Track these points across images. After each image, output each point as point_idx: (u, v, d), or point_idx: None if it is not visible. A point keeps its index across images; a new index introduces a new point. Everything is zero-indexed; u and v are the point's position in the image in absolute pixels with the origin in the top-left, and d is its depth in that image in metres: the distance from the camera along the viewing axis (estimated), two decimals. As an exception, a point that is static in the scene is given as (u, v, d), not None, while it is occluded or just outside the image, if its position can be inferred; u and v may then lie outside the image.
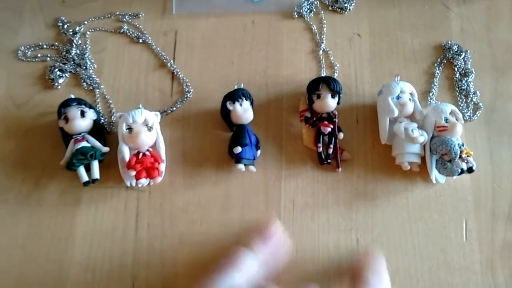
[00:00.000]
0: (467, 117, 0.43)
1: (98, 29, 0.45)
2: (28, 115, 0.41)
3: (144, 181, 0.37)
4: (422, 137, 0.38)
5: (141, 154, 0.37)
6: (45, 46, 0.44)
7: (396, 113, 0.39)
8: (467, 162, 0.38)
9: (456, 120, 0.39)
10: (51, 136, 0.40)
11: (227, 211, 0.38)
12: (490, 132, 0.42)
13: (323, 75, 0.42)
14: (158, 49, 0.44)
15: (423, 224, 0.39)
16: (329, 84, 0.39)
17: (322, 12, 0.47)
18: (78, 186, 0.37)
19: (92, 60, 0.44)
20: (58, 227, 0.37)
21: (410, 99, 0.40)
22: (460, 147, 0.38)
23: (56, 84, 0.42)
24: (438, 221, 0.39)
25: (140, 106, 0.39)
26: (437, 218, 0.39)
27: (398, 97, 0.39)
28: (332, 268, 0.37)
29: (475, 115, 0.43)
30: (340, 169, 0.40)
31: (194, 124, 0.42)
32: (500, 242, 0.38)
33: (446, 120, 0.39)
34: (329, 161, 0.39)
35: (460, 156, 0.38)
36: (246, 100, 0.40)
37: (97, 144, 0.38)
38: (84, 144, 0.37)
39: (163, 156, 0.38)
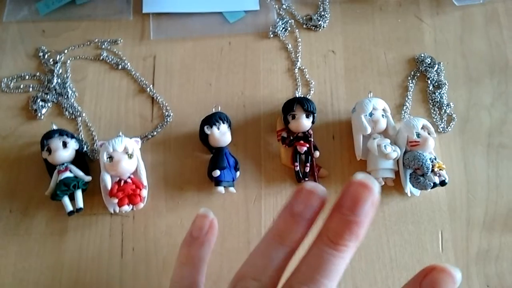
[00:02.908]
0: (441, 129, 0.44)
1: (78, 57, 0.46)
2: (13, 147, 0.42)
3: (126, 208, 0.38)
4: (395, 153, 0.39)
5: (122, 182, 0.38)
6: (27, 77, 0.45)
7: (369, 130, 0.40)
8: (439, 176, 0.39)
9: (428, 134, 0.40)
10: (36, 166, 0.41)
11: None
12: (464, 143, 0.43)
13: (297, 96, 0.43)
14: (138, 74, 0.45)
15: (400, 236, 0.40)
16: (303, 104, 0.40)
17: (297, 30, 0.48)
18: (64, 215, 0.38)
19: (74, 89, 0.45)
20: (46, 255, 0.39)
21: (383, 115, 0.41)
22: (432, 161, 0.39)
23: (39, 114, 0.43)
24: (415, 232, 0.40)
25: (120, 133, 0.40)
26: (413, 230, 0.40)
27: (371, 114, 0.40)
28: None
29: (449, 127, 0.44)
30: (318, 186, 0.41)
31: (175, 147, 0.43)
32: (475, 251, 0.39)
33: (418, 135, 0.40)
34: (306, 179, 0.41)
35: (433, 170, 0.39)
36: (224, 123, 0.41)
37: (80, 173, 0.39)
38: (67, 174, 0.38)
39: (145, 182, 0.40)
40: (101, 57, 0.46)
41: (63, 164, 0.39)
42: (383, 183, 0.40)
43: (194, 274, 0.32)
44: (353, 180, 0.27)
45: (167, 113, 0.44)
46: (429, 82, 0.46)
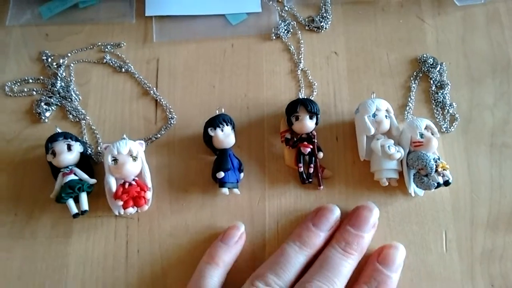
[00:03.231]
0: (444, 129, 0.44)
1: (81, 60, 0.46)
2: (17, 150, 0.42)
3: (131, 210, 0.38)
4: (398, 153, 0.39)
5: (127, 184, 0.38)
6: (31, 81, 0.45)
7: (373, 131, 0.40)
8: (443, 176, 0.39)
9: (432, 134, 0.40)
10: (41, 169, 0.41)
11: (214, 234, 0.40)
12: (467, 143, 0.44)
13: (300, 97, 0.43)
14: (141, 77, 0.46)
15: (404, 237, 0.40)
16: (307, 106, 0.41)
17: (299, 32, 0.48)
18: (69, 217, 0.38)
19: (77, 92, 0.45)
20: (52, 258, 0.39)
21: (386, 116, 0.41)
22: (436, 161, 0.39)
23: (43, 118, 0.43)
24: (418, 233, 0.40)
25: (125, 136, 0.40)
26: (417, 230, 0.40)
27: (374, 115, 0.41)
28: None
29: (452, 127, 0.44)
30: (322, 187, 0.41)
31: (179, 149, 0.43)
32: (479, 250, 0.39)
33: (421, 135, 0.40)
34: (310, 180, 0.41)
35: (436, 170, 0.39)
36: (227, 125, 0.41)
37: (85, 176, 0.39)
38: (72, 177, 0.39)
39: (149, 184, 0.40)
40: (105, 60, 0.46)
41: (67, 167, 0.39)
42: (387, 183, 0.40)
43: (215, 274, 0.36)
44: (360, 204, 0.38)
45: (170, 115, 0.44)
46: (431, 82, 0.46)
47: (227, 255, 0.36)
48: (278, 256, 0.35)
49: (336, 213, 0.37)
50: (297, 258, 0.35)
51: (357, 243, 0.35)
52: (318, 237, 0.36)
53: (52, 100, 0.44)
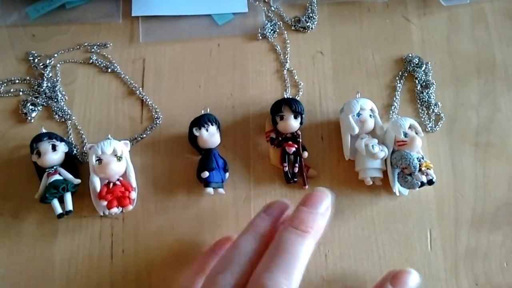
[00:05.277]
0: (429, 129, 0.44)
1: (68, 61, 0.46)
2: (3, 150, 0.42)
3: (116, 210, 0.38)
4: (382, 152, 0.40)
5: (111, 184, 0.38)
6: (17, 81, 0.45)
7: (357, 130, 0.40)
8: (427, 175, 0.39)
9: (416, 133, 0.40)
10: (27, 169, 0.41)
11: (199, 234, 0.40)
12: (452, 142, 0.44)
13: (285, 97, 0.44)
14: (127, 77, 0.46)
15: (388, 235, 0.40)
16: (291, 105, 0.41)
17: (286, 32, 0.48)
18: (54, 218, 0.38)
19: (63, 92, 0.45)
20: (37, 257, 0.39)
21: (370, 115, 0.41)
22: (419, 160, 0.39)
23: (29, 118, 0.43)
24: (403, 231, 0.40)
25: (109, 136, 0.40)
26: (402, 229, 0.40)
27: (358, 114, 0.41)
28: (301, 286, 0.38)
29: (437, 126, 0.44)
30: (307, 186, 0.41)
31: (164, 149, 0.43)
32: (463, 249, 0.40)
33: (405, 134, 0.40)
34: (295, 179, 0.41)
35: (420, 169, 0.39)
36: (212, 125, 0.41)
37: (69, 176, 0.39)
38: (56, 177, 0.39)
39: (134, 184, 0.40)
40: (91, 61, 0.46)
41: (52, 167, 0.39)
42: (371, 182, 0.40)
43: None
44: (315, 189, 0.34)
45: (156, 115, 0.44)
46: (417, 82, 0.46)
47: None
48: (229, 249, 0.32)
49: (286, 202, 0.35)
50: (248, 246, 0.31)
51: (312, 219, 0.31)
52: (266, 221, 0.33)
53: (38, 100, 0.44)
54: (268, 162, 0.42)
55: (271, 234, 0.32)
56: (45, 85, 0.45)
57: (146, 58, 0.47)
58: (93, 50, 0.47)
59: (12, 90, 0.45)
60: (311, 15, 0.49)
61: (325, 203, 0.33)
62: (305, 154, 0.41)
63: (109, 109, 0.44)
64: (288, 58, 0.47)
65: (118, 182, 0.39)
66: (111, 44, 0.47)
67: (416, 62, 0.47)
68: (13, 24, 0.48)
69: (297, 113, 0.41)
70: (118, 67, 0.46)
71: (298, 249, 0.30)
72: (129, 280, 0.38)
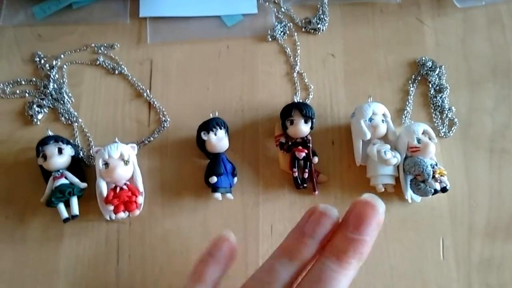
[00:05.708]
0: (443, 134, 0.43)
1: (74, 62, 0.46)
2: (9, 152, 0.42)
3: (122, 215, 0.38)
4: (395, 158, 0.39)
5: (118, 188, 0.38)
6: (23, 82, 0.45)
7: (369, 136, 0.39)
8: (440, 182, 0.38)
9: (429, 139, 0.39)
10: (33, 172, 0.41)
11: (207, 239, 0.39)
12: (466, 148, 0.43)
13: (295, 101, 0.43)
14: (134, 79, 0.45)
15: (400, 244, 0.39)
16: (301, 110, 0.40)
17: (296, 33, 0.47)
18: (60, 221, 0.38)
19: (70, 94, 0.44)
20: (42, 262, 0.38)
21: (383, 120, 0.40)
22: (433, 167, 0.38)
23: (35, 120, 0.43)
24: (415, 240, 0.39)
25: (116, 140, 0.40)
26: (414, 237, 0.39)
27: (370, 119, 0.40)
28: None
29: (451, 131, 0.43)
30: (317, 192, 0.40)
31: (172, 153, 0.42)
32: (477, 258, 0.39)
33: (419, 140, 0.39)
34: (305, 185, 0.40)
35: (433, 177, 0.38)
36: (221, 129, 0.40)
37: (75, 180, 0.39)
38: (62, 181, 0.38)
39: (141, 189, 0.39)
40: (98, 62, 0.45)
41: (58, 170, 0.39)
42: (383, 189, 0.39)
43: None
44: (359, 199, 0.28)
45: (164, 118, 0.43)
46: (430, 85, 0.45)
47: (216, 272, 0.32)
48: (264, 269, 0.29)
49: (332, 216, 0.29)
50: (284, 271, 0.28)
51: (354, 249, 0.27)
52: (310, 247, 0.29)
53: (44, 102, 0.43)
54: (277, 167, 0.42)
55: (313, 259, 0.29)
56: (51, 86, 0.44)
57: (154, 60, 0.46)
58: (100, 51, 0.46)
59: (18, 92, 0.44)
60: (322, 16, 0.48)
61: (374, 225, 0.27)
62: (315, 159, 0.40)
63: (116, 112, 0.44)
64: (298, 60, 0.46)
65: (125, 187, 0.38)
66: (118, 45, 0.47)
67: (430, 65, 0.45)
68: (19, 24, 0.47)
69: (308, 118, 0.40)
70: (125, 68, 0.45)
71: (334, 283, 0.27)
72: (135, 285, 0.38)
